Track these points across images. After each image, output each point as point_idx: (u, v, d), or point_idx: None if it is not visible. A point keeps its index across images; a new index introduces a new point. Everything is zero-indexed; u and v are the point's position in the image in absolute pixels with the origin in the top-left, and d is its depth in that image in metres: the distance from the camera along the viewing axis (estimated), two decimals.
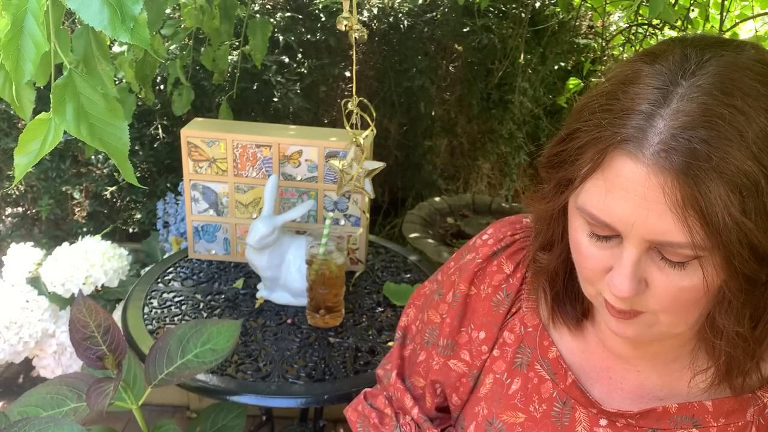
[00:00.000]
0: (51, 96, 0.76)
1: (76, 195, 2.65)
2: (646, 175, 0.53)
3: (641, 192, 0.54)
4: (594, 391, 0.73)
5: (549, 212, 0.68)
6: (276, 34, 2.60)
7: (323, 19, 2.73)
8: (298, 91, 2.68)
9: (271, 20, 2.49)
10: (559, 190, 0.64)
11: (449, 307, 0.82)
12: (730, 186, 0.51)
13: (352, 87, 1.41)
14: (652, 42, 2.87)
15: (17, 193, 2.66)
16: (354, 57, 1.33)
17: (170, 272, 1.58)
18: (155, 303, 1.45)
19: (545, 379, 0.74)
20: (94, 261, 1.79)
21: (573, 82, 2.61)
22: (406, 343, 0.89)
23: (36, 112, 0.88)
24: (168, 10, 2.05)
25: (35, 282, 1.85)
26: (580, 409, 0.72)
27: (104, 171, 2.61)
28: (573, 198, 0.62)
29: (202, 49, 2.02)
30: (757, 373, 0.65)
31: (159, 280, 1.55)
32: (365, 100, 1.36)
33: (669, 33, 2.81)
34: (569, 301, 0.74)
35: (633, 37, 2.81)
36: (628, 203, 0.55)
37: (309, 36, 2.70)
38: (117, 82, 1.83)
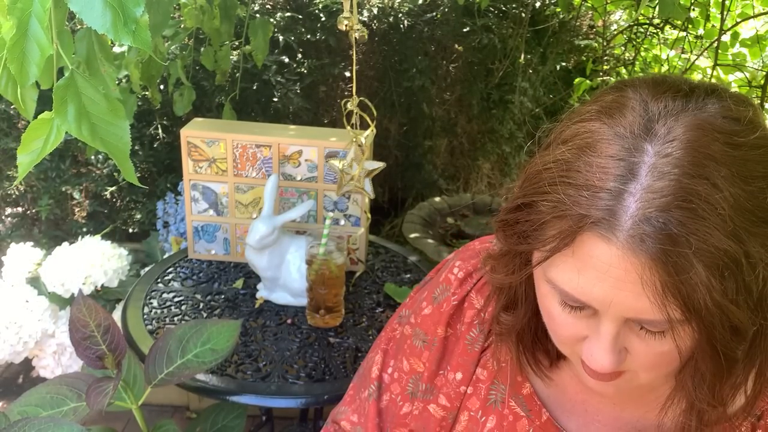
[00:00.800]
0: (53, 96, 0.76)
1: (76, 195, 2.65)
2: (620, 257, 0.50)
3: (616, 273, 0.51)
4: (571, 424, 0.72)
5: (511, 272, 0.64)
6: (276, 34, 2.61)
7: (323, 19, 2.74)
8: (298, 91, 2.68)
9: (271, 20, 2.49)
10: (522, 262, 0.61)
11: (429, 352, 0.80)
12: (710, 269, 0.48)
13: (352, 87, 1.41)
14: (653, 42, 2.87)
15: (17, 193, 2.66)
16: (354, 57, 1.33)
17: (170, 272, 1.58)
18: (155, 303, 1.45)
19: (520, 416, 0.73)
20: (93, 261, 1.79)
21: (581, 81, 2.61)
22: (381, 395, 0.84)
23: (37, 112, 0.88)
24: None
25: (35, 282, 1.85)
26: None
27: (104, 171, 2.61)
28: (540, 269, 0.59)
29: (203, 49, 2.02)
30: (733, 402, 0.63)
31: (159, 280, 1.55)
32: (365, 100, 1.36)
33: (671, 33, 2.81)
34: (541, 353, 0.71)
35: (634, 37, 2.81)
36: (603, 284, 0.52)
37: (309, 36, 2.70)
38: (118, 83, 1.83)
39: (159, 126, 2.61)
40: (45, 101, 0.82)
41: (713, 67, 1.95)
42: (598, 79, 2.89)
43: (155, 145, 2.64)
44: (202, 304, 1.46)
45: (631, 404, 0.70)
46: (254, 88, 2.61)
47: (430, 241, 2.37)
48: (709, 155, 0.50)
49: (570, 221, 0.52)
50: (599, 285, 0.52)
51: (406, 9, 2.83)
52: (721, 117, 0.53)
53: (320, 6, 2.74)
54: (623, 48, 2.94)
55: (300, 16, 2.72)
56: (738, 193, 0.49)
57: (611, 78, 3.00)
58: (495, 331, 0.72)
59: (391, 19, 2.80)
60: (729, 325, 0.51)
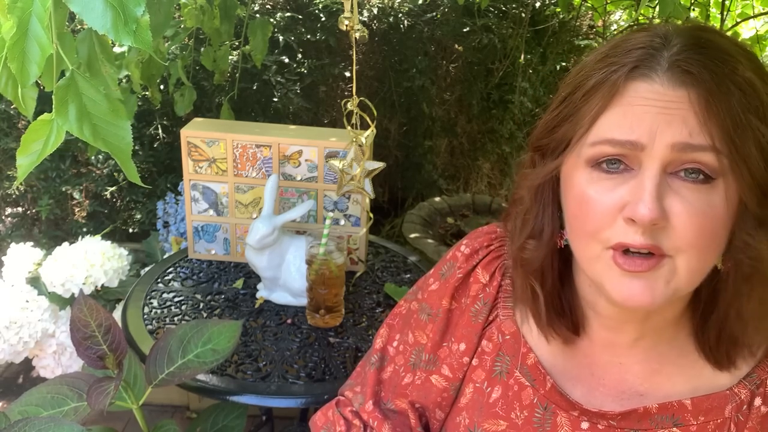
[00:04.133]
0: (53, 97, 0.76)
1: (76, 195, 2.65)
2: (663, 90, 0.57)
3: (661, 104, 0.57)
4: (575, 390, 0.73)
5: (538, 194, 0.69)
6: (276, 34, 2.61)
7: (323, 19, 2.74)
8: (298, 91, 2.68)
9: (271, 20, 2.49)
10: (555, 154, 0.65)
11: (433, 324, 0.82)
12: (743, 94, 0.57)
13: (352, 87, 1.41)
14: None
15: (17, 193, 2.66)
16: (354, 57, 1.33)
17: (170, 272, 1.58)
18: (155, 303, 1.45)
19: (525, 385, 0.75)
20: (94, 261, 1.79)
21: None
22: (384, 366, 0.87)
23: (37, 112, 0.88)
24: None
25: (35, 282, 1.85)
26: (561, 413, 0.72)
27: (104, 171, 2.61)
28: (575, 153, 0.63)
29: (203, 49, 2.02)
30: (739, 361, 0.67)
31: (159, 280, 1.55)
32: (365, 100, 1.36)
33: None
34: (560, 312, 0.73)
35: None
36: (648, 115, 0.58)
37: (309, 36, 2.70)
38: (119, 83, 1.82)
39: (159, 126, 2.61)
40: (45, 101, 0.82)
41: None
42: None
43: (155, 145, 2.64)
44: (202, 304, 1.46)
45: (636, 365, 0.71)
46: (254, 88, 2.61)
47: (430, 241, 2.37)
48: (712, 41, 0.60)
49: (613, 76, 0.59)
50: (645, 116, 0.58)
51: (406, 9, 2.83)
52: (717, 33, 0.63)
53: (320, 6, 2.74)
54: None
55: (300, 16, 2.72)
56: (748, 68, 0.58)
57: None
58: (520, 266, 0.73)
59: (391, 19, 2.80)
60: (760, 148, 0.57)
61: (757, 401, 0.66)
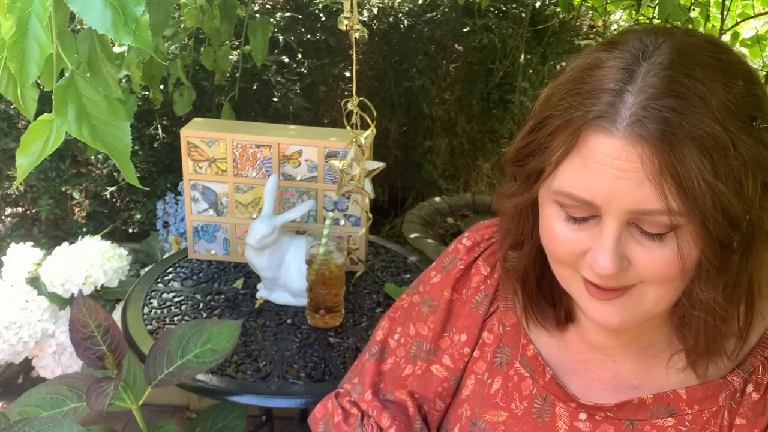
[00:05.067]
0: (53, 97, 0.76)
1: (76, 195, 2.65)
2: (621, 147, 0.55)
3: (618, 164, 0.56)
4: (572, 384, 0.74)
5: (519, 209, 0.70)
6: (276, 34, 2.61)
7: (323, 19, 2.74)
8: (298, 91, 2.68)
9: (271, 20, 2.49)
10: (529, 183, 0.66)
11: (434, 315, 0.83)
12: (701, 151, 0.54)
13: (352, 87, 1.41)
14: None
15: (17, 193, 2.66)
16: (354, 57, 1.33)
17: (170, 272, 1.58)
18: (155, 303, 1.45)
19: (525, 376, 0.76)
20: (93, 261, 1.79)
21: None
22: (384, 358, 0.87)
23: (37, 112, 0.88)
24: None
25: (35, 282, 1.85)
26: (559, 404, 0.73)
27: (104, 171, 2.61)
28: (545, 187, 0.63)
29: (202, 49, 2.02)
30: (723, 359, 0.67)
31: (159, 280, 1.55)
32: (365, 100, 1.36)
33: None
34: (547, 304, 0.75)
35: None
36: (606, 177, 0.57)
37: (309, 36, 2.70)
38: (119, 83, 1.82)
39: (159, 126, 2.61)
40: (45, 101, 0.82)
41: None
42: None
43: (155, 145, 2.64)
44: (202, 304, 1.45)
45: (629, 361, 0.72)
46: (254, 88, 2.61)
47: (430, 241, 2.37)
48: (695, 62, 0.57)
49: (575, 122, 0.58)
50: (602, 178, 0.57)
51: (406, 9, 2.83)
52: (706, 41, 0.60)
53: (320, 6, 2.74)
54: None
55: (300, 16, 2.72)
56: (723, 94, 0.55)
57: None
58: (502, 270, 0.77)
59: (391, 19, 2.80)
60: (722, 209, 0.55)
61: (749, 388, 0.67)
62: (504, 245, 0.75)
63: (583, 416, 0.72)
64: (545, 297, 0.75)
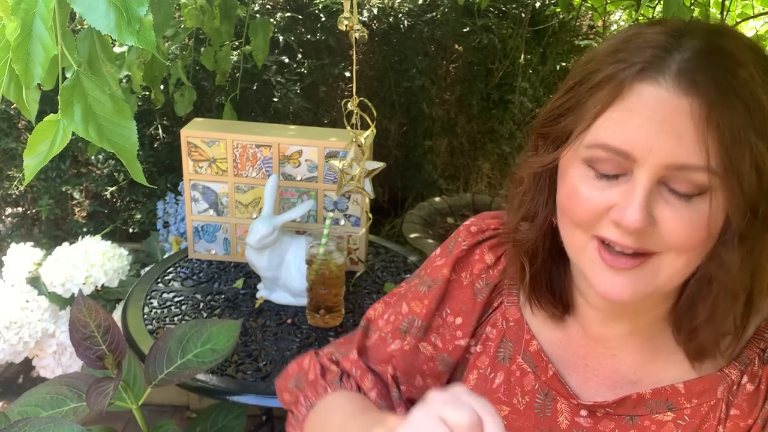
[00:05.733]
0: (59, 98, 0.76)
1: (76, 195, 2.65)
2: (669, 97, 0.56)
3: (661, 115, 0.56)
4: (571, 380, 0.74)
5: (537, 180, 0.69)
6: (276, 34, 2.60)
7: (323, 19, 2.74)
8: (298, 91, 2.68)
9: (271, 20, 2.49)
10: (555, 145, 0.66)
11: (431, 293, 0.82)
12: (745, 108, 0.55)
13: (352, 87, 1.41)
14: None
15: (17, 193, 2.66)
16: (354, 57, 1.33)
17: (170, 272, 1.58)
18: (155, 303, 1.45)
19: (527, 371, 0.76)
20: (94, 261, 1.79)
21: None
22: (369, 334, 0.87)
23: (38, 113, 0.88)
24: None
25: (35, 282, 1.85)
26: (561, 400, 0.73)
27: (104, 171, 2.61)
28: (573, 149, 0.63)
29: (203, 49, 2.02)
30: (718, 351, 0.67)
31: (159, 280, 1.55)
32: (365, 100, 1.36)
33: None
34: (549, 290, 0.74)
35: None
36: (648, 127, 0.57)
37: (309, 36, 2.70)
38: (119, 83, 1.82)
39: (159, 126, 2.61)
40: (46, 101, 0.82)
41: None
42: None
43: (155, 145, 2.64)
44: (202, 304, 1.46)
45: (629, 356, 0.72)
46: (254, 88, 2.61)
47: (430, 241, 2.37)
48: (730, 35, 0.60)
49: (621, 74, 0.58)
50: (644, 128, 0.57)
51: (406, 9, 2.83)
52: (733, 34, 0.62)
53: (320, 6, 2.74)
54: None
55: (300, 16, 2.72)
56: (756, 62, 0.58)
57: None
58: (511, 244, 0.74)
59: (391, 19, 2.80)
60: (757, 169, 0.56)
61: (744, 379, 0.67)
62: (517, 216, 0.73)
63: (584, 412, 0.72)
64: (553, 282, 0.74)
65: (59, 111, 0.76)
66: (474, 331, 0.81)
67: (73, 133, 0.77)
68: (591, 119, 0.60)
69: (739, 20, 2.28)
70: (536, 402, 0.74)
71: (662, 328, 0.71)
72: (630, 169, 0.59)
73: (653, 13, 2.47)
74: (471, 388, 0.77)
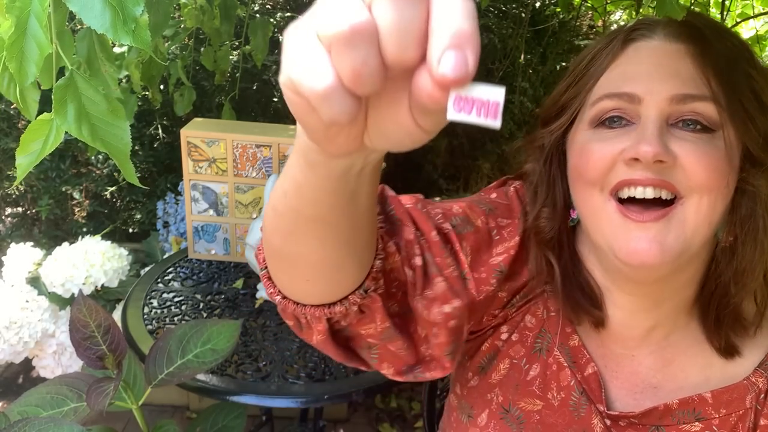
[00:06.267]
0: (52, 97, 0.76)
1: (76, 195, 2.65)
2: (662, 45, 0.62)
3: (657, 59, 0.61)
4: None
5: (548, 159, 0.69)
6: (276, 34, 2.60)
7: None
8: None
9: (271, 20, 2.49)
10: (561, 115, 0.68)
11: (491, 216, 0.71)
12: (733, 45, 0.62)
13: None
14: None
15: (17, 193, 2.66)
16: None
17: (170, 272, 1.58)
18: (155, 303, 1.45)
19: (564, 366, 0.71)
20: (94, 261, 1.79)
21: None
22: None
23: (39, 112, 0.88)
24: None
25: (35, 282, 1.85)
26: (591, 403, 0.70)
27: (104, 171, 2.61)
28: (578, 122, 0.66)
29: (203, 49, 2.02)
30: (746, 333, 0.67)
31: (159, 280, 1.54)
32: None
33: None
34: (582, 290, 0.68)
35: None
36: (647, 69, 0.61)
37: None
38: (119, 83, 1.82)
39: (159, 126, 2.61)
40: (47, 101, 0.82)
41: None
42: None
43: (155, 145, 2.64)
44: (202, 304, 1.45)
45: (648, 357, 0.70)
46: (254, 88, 2.61)
47: None
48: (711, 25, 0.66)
49: (614, 41, 0.64)
50: (643, 70, 0.61)
51: None
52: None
53: None
54: None
55: (300, 16, 2.72)
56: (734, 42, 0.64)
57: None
58: (535, 231, 0.68)
59: None
60: (753, 92, 0.60)
61: None
62: (536, 205, 0.69)
63: (608, 421, 0.69)
64: (581, 282, 0.69)
65: (52, 110, 0.76)
66: (508, 309, 0.72)
67: (70, 133, 0.77)
68: (592, 84, 0.63)
69: (739, 20, 2.28)
70: (571, 399, 0.70)
71: (681, 323, 0.69)
72: (637, 114, 0.60)
73: (653, 13, 2.47)
74: (501, 378, 0.73)
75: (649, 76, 0.60)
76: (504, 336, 0.74)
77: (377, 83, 0.32)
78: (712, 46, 0.60)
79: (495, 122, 0.34)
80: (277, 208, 0.50)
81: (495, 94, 0.33)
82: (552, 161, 0.69)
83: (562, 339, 0.72)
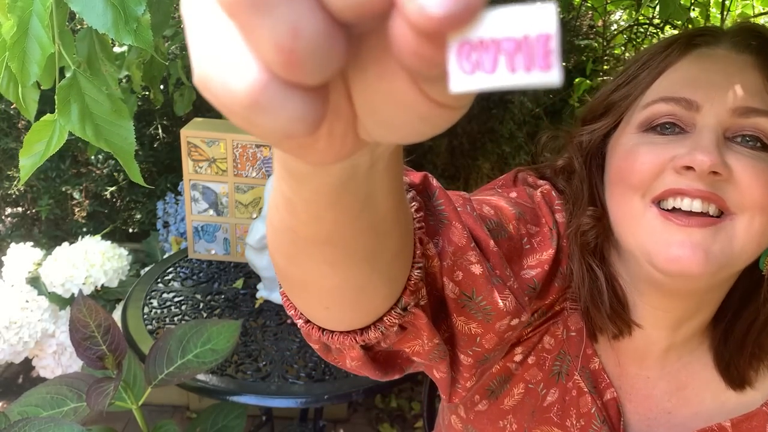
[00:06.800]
0: (56, 97, 0.76)
1: (76, 195, 2.65)
2: (728, 54, 0.57)
3: (723, 67, 0.56)
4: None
5: (590, 155, 0.64)
6: None
7: None
8: None
9: None
10: (607, 114, 0.63)
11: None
12: None
13: None
14: (654, 41, 2.87)
15: (17, 193, 2.66)
16: None
17: (170, 272, 1.58)
18: (155, 303, 1.45)
19: (584, 391, 0.65)
20: (93, 261, 1.79)
21: (581, 81, 2.61)
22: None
23: (37, 112, 0.88)
24: None
25: (35, 282, 1.85)
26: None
27: (104, 171, 2.61)
28: (624, 123, 0.61)
29: None
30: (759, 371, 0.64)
31: (159, 280, 1.54)
32: None
33: (671, 32, 2.81)
34: (609, 294, 0.63)
35: (634, 37, 2.81)
36: (710, 75, 0.56)
37: None
38: (119, 82, 1.82)
39: (159, 126, 2.61)
40: (45, 101, 0.82)
41: None
42: (598, 79, 2.89)
43: (155, 145, 2.64)
44: (202, 304, 1.45)
45: (662, 380, 0.67)
46: None
47: None
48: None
49: (674, 44, 0.59)
50: (707, 75, 0.56)
51: None
52: None
53: None
54: (623, 48, 2.94)
55: None
56: None
57: (611, 78, 3.00)
58: (579, 234, 0.61)
59: None
60: None
61: None
62: (582, 204, 0.63)
63: None
64: (611, 287, 0.63)
65: (56, 110, 0.76)
66: (524, 329, 0.65)
67: (73, 133, 0.77)
68: (645, 86, 0.59)
69: (739, 20, 2.28)
70: (592, 428, 0.64)
71: (694, 344, 0.67)
72: (692, 122, 0.55)
73: (653, 13, 2.48)
74: (515, 404, 0.68)
75: (711, 83, 0.55)
76: (518, 358, 0.67)
77: (331, 59, 0.20)
78: None
79: (549, 74, 0.18)
80: (273, 223, 0.39)
81: (537, 18, 0.18)
82: (592, 160, 0.64)
83: (584, 362, 0.66)
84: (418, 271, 0.46)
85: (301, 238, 0.37)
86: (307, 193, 0.32)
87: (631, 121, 0.60)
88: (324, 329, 0.47)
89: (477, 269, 0.52)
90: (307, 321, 0.48)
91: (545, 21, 0.18)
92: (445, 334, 0.56)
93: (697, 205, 0.53)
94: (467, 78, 0.19)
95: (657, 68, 0.59)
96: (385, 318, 0.45)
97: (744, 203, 0.53)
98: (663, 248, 0.54)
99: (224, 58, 0.20)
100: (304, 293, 0.45)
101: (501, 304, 0.53)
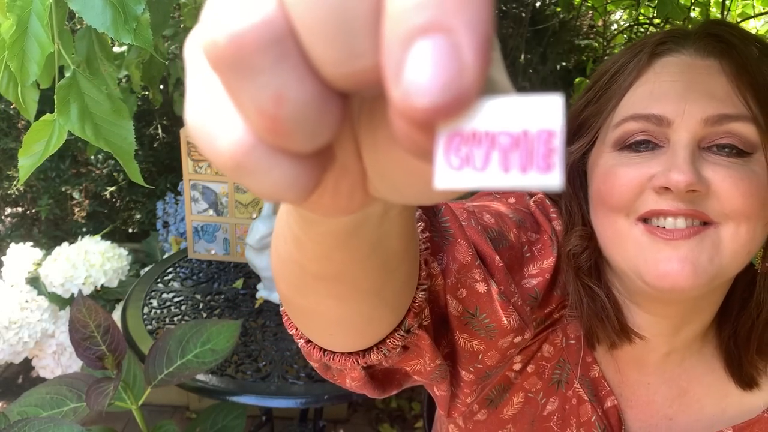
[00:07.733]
0: (55, 97, 0.75)
1: (76, 195, 2.65)
2: (692, 60, 0.56)
3: (689, 77, 0.55)
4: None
5: (571, 176, 0.63)
6: None
7: None
8: None
9: None
10: (579, 134, 0.62)
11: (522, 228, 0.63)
12: (766, 64, 0.56)
13: None
14: None
15: (17, 193, 2.66)
16: None
17: (170, 272, 1.58)
18: (155, 303, 1.45)
19: (584, 400, 0.65)
20: (93, 261, 1.79)
21: (581, 81, 2.62)
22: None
23: (37, 112, 0.88)
24: None
25: (35, 282, 1.85)
26: None
27: (104, 171, 2.61)
28: (599, 143, 0.60)
29: None
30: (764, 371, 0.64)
31: (159, 280, 1.54)
32: None
33: None
34: (614, 307, 0.63)
35: (634, 36, 2.81)
36: (678, 88, 0.55)
37: None
38: (118, 82, 1.82)
39: (159, 126, 2.61)
40: (45, 101, 0.82)
41: None
42: None
43: (155, 145, 2.64)
44: (202, 304, 1.45)
45: (663, 386, 0.66)
46: None
47: None
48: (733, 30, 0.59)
49: (640, 54, 0.58)
50: (674, 89, 0.55)
51: None
52: None
53: None
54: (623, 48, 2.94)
55: None
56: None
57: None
58: (572, 254, 0.61)
59: None
60: None
61: None
62: (573, 224, 0.63)
63: None
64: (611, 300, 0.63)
65: (55, 110, 0.76)
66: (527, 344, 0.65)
67: (72, 133, 0.77)
68: (615, 102, 0.58)
69: (739, 20, 2.28)
70: None
71: (696, 348, 0.66)
72: (665, 137, 0.55)
73: (653, 12, 2.47)
74: (514, 414, 0.67)
75: (679, 96, 0.54)
76: (517, 367, 0.66)
77: (322, 127, 0.19)
78: (747, 60, 0.54)
79: (548, 176, 0.16)
80: (279, 253, 0.37)
81: (540, 112, 0.16)
82: (574, 180, 0.64)
83: (583, 370, 0.65)
84: (423, 292, 0.46)
85: (308, 273, 0.36)
86: (316, 235, 0.31)
87: (606, 140, 0.59)
88: (325, 350, 0.47)
89: (481, 287, 0.52)
90: (308, 341, 0.48)
91: (550, 115, 0.16)
92: (445, 349, 0.56)
93: (681, 222, 0.54)
94: (453, 174, 0.17)
95: (624, 82, 0.58)
96: (388, 340, 0.46)
97: (726, 213, 0.53)
98: (652, 266, 0.54)
99: (213, 113, 0.20)
100: (308, 321, 0.44)
101: (505, 321, 0.53)
